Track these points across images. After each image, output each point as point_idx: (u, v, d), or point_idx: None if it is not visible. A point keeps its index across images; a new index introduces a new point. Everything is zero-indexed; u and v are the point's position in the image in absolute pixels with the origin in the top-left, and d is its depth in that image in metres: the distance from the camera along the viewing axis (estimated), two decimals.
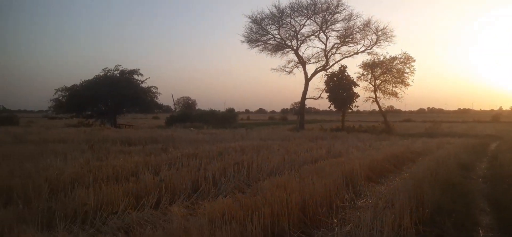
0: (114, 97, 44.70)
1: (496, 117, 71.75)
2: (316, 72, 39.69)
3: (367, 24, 36.70)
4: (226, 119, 47.46)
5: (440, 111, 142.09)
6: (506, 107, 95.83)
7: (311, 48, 48.15)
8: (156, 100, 51.28)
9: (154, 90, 50.21)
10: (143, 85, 49.05)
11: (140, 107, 49.20)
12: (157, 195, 6.42)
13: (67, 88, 46.56)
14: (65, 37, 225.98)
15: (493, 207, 6.94)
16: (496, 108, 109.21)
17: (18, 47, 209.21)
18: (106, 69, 47.98)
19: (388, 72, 39.23)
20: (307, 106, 50.66)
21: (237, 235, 4.25)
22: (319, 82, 50.61)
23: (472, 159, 13.39)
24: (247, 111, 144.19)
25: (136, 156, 11.02)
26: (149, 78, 49.80)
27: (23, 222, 4.80)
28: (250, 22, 37.93)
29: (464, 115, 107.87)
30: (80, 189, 6.30)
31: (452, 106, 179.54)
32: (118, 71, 47.95)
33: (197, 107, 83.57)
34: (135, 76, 48.65)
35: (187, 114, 53.30)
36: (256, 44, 39.44)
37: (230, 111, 52.97)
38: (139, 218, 5.26)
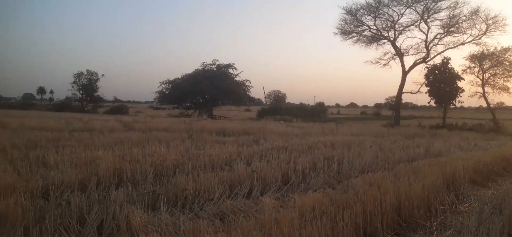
0: (211, 90, 47.37)
1: None
2: (415, 64, 37.14)
3: (475, 12, 33.13)
4: (316, 112, 47.07)
5: None
6: None
7: (410, 39, 45.41)
8: (249, 93, 53.30)
9: (247, 84, 52.30)
10: (237, 78, 51.29)
11: (234, 99, 51.51)
12: (249, 185, 6.67)
13: (170, 81, 50.89)
14: (168, 35, 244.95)
15: None
16: None
17: (129, 46, 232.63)
18: (204, 63, 51.27)
19: (499, 64, 35.17)
20: (403, 101, 47.91)
21: (327, 231, 4.24)
22: (418, 75, 47.58)
23: None
24: (337, 105, 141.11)
25: (230, 146, 11.55)
26: (242, 71, 51.88)
27: (132, 202, 5.36)
28: (344, 13, 36.84)
29: None
30: (181, 176, 6.84)
31: None
32: (215, 65, 50.81)
33: (286, 101, 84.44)
34: (230, 70, 51.12)
35: (277, 107, 54.14)
36: (350, 36, 38.11)
37: (320, 105, 52.29)
38: (233, 206, 5.52)
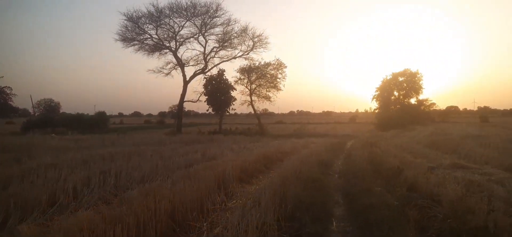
0: None
1: (353, 118, 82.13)
2: (195, 74, 39.61)
3: (244, 30, 38.13)
4: (96, 123, 43.81)
5: (308, 113, 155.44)
6: (361, 109, 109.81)
7: (190, 51, 48.06)
8: (11, 102, 45.40)
9: (8, 91, 44.36)
10: None
11: None
12: (4, 213, 5.59)
13: None
14: None
15: (345, 199, 7.82)
16: (353, 110, 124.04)
17: None
18: None
19: (262, 77, 41.45)
20: (186, 109, 50.27)
21: None
22: (198, 85, 50.95)
23: (331, 157, 14.90)
24: (120, 115, 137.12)
25: None
26: (2, 77, 43.83)
27: None
28: (125, 19, 35.87)
29: (327, 117, 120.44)
30: None
31: (317, 109, 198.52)
32: None
33: (61, 111, 75.52)
34: None
35: (49, 118, 47.73)
36: (132, 43, 37.34)
37: (101, 115, 48.81)
38: None
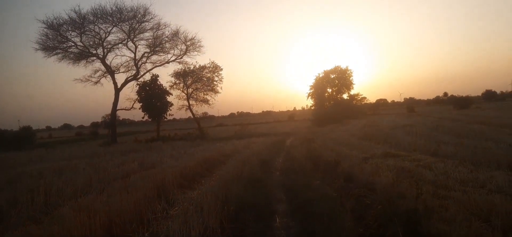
0: None
1: (291, 116, 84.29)
2: (126, 81, 37.84)
3: (175, 34, 37.23)
4: (21, 139, 40.39)
5: (248, 114, 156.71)
6: (298, 107, 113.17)
7: (120, 57, 45.92)
8: None
9: None
10: None
11: None
12: None
13: None
14: None
15: (287, 195, 7.97)
16: (291, 108, 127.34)
17: None
18: None
19: (199, 80, 40.99)
20: (120, 118, 48.28)
21: None
22: (131, 92, 49.08)
23: (272, 155, 15.14)
24: (48, 128, 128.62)
25: None
26: None
27: None
28: (45, 27, 33.01)
29: (267, 116, 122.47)
30: None
31: (257, 109, 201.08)
32: None
33: None
34: None
35: None
36: (54, 52, 34.50)
37: (26, 130, 45.04)
38: None
